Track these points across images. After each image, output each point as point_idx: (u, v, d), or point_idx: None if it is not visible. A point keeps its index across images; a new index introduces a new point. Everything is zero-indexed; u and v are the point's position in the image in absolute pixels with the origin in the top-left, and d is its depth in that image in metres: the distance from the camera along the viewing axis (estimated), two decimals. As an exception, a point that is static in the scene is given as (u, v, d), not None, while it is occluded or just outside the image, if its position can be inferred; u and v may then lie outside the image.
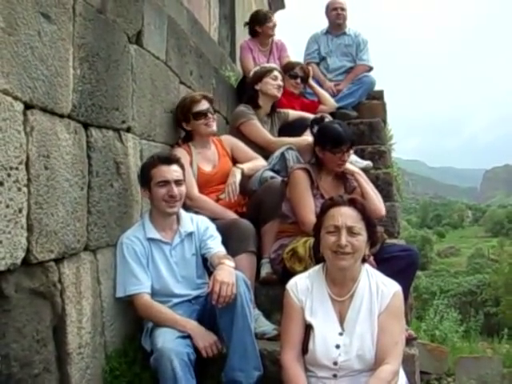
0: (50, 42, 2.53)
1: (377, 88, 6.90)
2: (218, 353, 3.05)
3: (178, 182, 3.30)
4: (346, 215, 2.68)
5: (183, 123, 4.19)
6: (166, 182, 3.26)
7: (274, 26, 6.50)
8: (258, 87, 4.97)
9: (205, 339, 3.06)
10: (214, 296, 2.93)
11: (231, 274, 3.02)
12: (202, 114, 4.13)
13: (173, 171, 3.30)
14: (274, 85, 4.96)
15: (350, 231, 2.65)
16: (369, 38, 6.87)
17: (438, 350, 6.58)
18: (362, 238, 2.68)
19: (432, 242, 64.72)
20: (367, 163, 5.23)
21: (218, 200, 4.05)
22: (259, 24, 6.53)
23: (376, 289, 2.70)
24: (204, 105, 4.16)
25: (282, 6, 13.56)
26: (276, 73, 5.04)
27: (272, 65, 5.61)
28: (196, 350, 3.01)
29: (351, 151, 3.87)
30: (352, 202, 2.75)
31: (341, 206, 2.72)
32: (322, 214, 2.79)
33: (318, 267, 2.85)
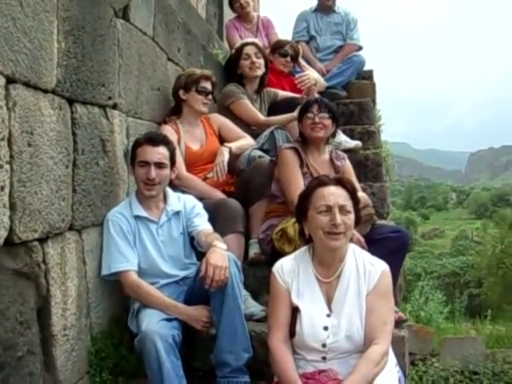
0: (32, 13, 2.43)
1: (365, 68, 6.83)
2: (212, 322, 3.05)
3: (159, 165, 3.21)
4: (336, 194, 2.63)
5: (181, 91, 4.12)
6: (146, 163, 3.19)
7: (246, 3, 6.38)
8: (239, 71, 4.95)
9: (198, 319, 3.05)
10: (207, 280, 2.88)
11: (224, 257, 2.97)
12: (205, 92, 4.13)
13: (156, 153, 3.21)
14: (247, 65, 4.89)
15: (343, 210, 2.60)
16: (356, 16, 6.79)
17: (424, 330, 6.65)
18: (352, 217, 2.64)
19: (416, 223, 65.13)
20: (356, 143, 5.20)
21: (205, 179, 4.00)
22: (231, 6, 6.58)
23: (363, 269, 2.65)
24: (209, 85, 4.18)
25: (270, -15, 13.43)
26: (247, 50, 4.94)
27: (248, 39, 5.51)
28: (183, 331, 2.99)
29: (326, 116, 3.82)
30: (339, 181, 2.71)
31: (329, 186, 2.67)
32: (308, 194, 2.71)
33: (303, 248, 2.80)
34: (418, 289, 10.03)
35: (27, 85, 2.42)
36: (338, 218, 2.57)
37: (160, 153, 3.23)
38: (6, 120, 2.25)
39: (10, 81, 2.29)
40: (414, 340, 6.09)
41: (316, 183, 2.72)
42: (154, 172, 3.18)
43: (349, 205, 2.63)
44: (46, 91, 2.57)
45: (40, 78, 2.51)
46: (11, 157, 2.28)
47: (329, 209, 2.60)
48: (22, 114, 2.36)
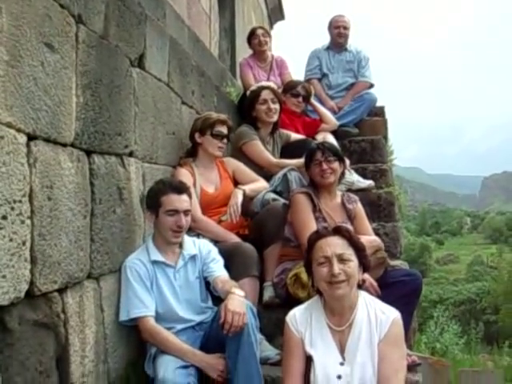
0: (53, 71, 2.51)
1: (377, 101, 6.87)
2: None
3: (186, 212, 3.29)
4: (333, 244, 2.69)
5: (197, 134, 4.19)
6: (176, 212, 3.25)
7: (265, 42, 6.55)
8: (254, 114, 4.99)
9: (215, 368, 3.05)
10: (225, 326, 2.90)
11: (242, 304, 3.00)
12: (221, 136, 4.20)
13: (183, 201, 3.28)
14: (263, 110, 4.93)
15: (341, 259, 2.65)
16: (368, 43, 6.86)
17: (439, 363, 6.54)
18: (353, 264, 2.67)
19: (431, 249, 64.75)
20: (369, 183, 5.22)
21: (219, 222, 4.03)
22: (248, 41, 6.71)
23: (375, 317, 2.68)
24: (225, 129, 4.24)
25: (282, 17, 13.62)
26: (264, 95, 4.97)
27: (263, 83, 5.56)
28: (199, 377, 3.00)
29: (332, 160, 3.86)
30: (337, 231, 2.77)
31: (327, 237, 2.74)
32: (309, 249, 2.78)
33: (316, 297, 2.84)
34: (434, 320, 9.95)
35: (47, 140, 2.48)
36: (336, 267, 2.62)
37: (186, 200, 3.31)
38: (27, 176, 2.31)
39: (31, 138, 2.36)
40: (429, 373, 6.01)
41: (315, 237, 2.79)
42: (184, 219, 3.25)
43: (348, 253, 2.68)
44: (64, 145, 2.63)
45: (59, 132, 2.57)
46: (32, 212, 2.34)
47: (327, 260, 2.66)
48: (43, 169, 2.42)
